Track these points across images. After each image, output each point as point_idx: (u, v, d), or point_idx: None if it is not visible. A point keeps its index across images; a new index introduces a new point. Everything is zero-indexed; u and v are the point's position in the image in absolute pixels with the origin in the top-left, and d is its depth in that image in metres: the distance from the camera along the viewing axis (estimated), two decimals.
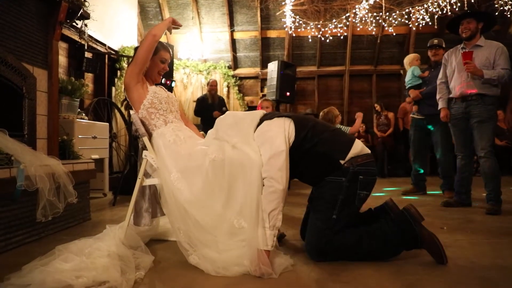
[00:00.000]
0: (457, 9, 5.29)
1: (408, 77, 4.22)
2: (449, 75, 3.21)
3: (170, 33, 2.19)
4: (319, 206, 1.79)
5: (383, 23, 6.18)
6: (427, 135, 3.97)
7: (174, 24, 2.12)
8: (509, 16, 5.41)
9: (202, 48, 7.07)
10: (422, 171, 4.02)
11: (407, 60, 4.40)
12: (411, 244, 1.72)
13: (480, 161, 2.97)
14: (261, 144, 1.73)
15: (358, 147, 1.80)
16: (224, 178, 1.73)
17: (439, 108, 3.29)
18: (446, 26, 3.39)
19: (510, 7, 5.29)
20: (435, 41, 3.82)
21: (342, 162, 1.75)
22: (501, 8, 5.27)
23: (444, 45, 3.80)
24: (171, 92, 3.99)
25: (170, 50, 2.20)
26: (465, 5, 5.26)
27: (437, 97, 3.33)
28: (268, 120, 1.81)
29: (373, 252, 1.72)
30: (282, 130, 1.75)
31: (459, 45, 3.18)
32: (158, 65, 2.10)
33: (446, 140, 3.69)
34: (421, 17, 5.78)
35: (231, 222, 1.70)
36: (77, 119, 3.77)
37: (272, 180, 1.62)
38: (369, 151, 1.84)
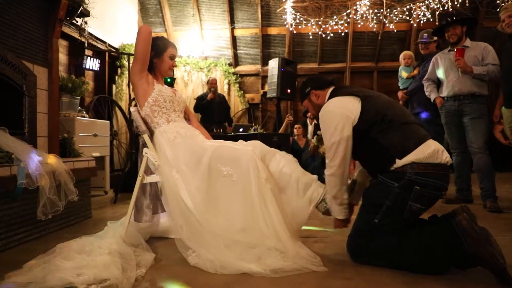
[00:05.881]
0: (458, 5, 5.26)
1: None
2: (441, 78, 3.25)
3: None
4: (364, 205, 1.72)
5: (384, 20, 6.15)
6: None
7: None
8: None
9: (203, 46, 7.05)
10: None
11: (400, 59, 4.42)
12: (462, 262, 1.46)
13: (475, 157, 2.98)
14: (323, 125, 1.74)
15: (427, 151, 1.58)
16: (217, 189, 1.77)
17: (432, 99, 3.32)
18: (432, 33, 3.50)
19: None
20: (425, 35, 3.81)
21: (398, 161, 1.59)
22: (503, 4, 5.24)
23: (434, 38, 3.78)
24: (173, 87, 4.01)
25: (176, 48, 2.23)
26: (467, 0, 5.23)
27: (427, 93, 3.38)
28: (335, 97, 1.78)
29: (411, 265, 1.54)
30: (346, 112, 1.69)
31: (445, 49, 3.29)
32: (167, 61, 2.14)
33: (436, 137, 3.67)
34: (422, 13, 5.75)
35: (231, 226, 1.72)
36: (78, 117, 3.77)
37: (329, 168, 1.73)
38: (444, 161, 1.60)
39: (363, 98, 1.71)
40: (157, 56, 2.12)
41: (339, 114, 1.70)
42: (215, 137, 2.30)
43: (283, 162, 1.88)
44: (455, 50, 3.05)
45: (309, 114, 5.66)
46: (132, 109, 2.08)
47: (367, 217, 1.65)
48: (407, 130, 1.66)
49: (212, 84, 5.72)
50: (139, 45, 1.98)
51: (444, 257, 1.46)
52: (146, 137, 1.97)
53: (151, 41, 2.02)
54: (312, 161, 5.04)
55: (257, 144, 1.93)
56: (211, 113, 5.60)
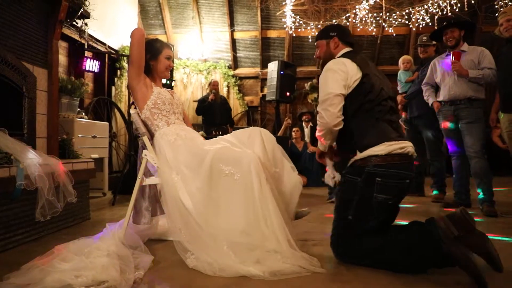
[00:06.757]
0: (457, 10, 5.30)
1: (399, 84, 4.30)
2: (438, 82, 3.26)
3: None
4: (337, 205, 1.77)
5: (383, 24, 6.18)
6: (420, 133, 3.94)
7: None
8: None
9: (202, 48, 7.06)
10: (421, 161, 3.99)
11: (399, 63, 4.44)
12: (440, 262, 1.50)
13: (472, 162, 2.98)
14: (322, 79, 1.80)
15: (387, 149, 1.63)
16: (220, 191, 1.78)
17: (430, 104, 3.33)
18: (430, 36, 3.49)
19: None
20: (424, 38, 3.83)
21: (358, 153, 1.68)
22: (501, 9, 5.28)
23: (433, 42, 3.79)
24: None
25: (171, 48, 2.24)
26: (465, 5, 5.26)
27: (425, 97, 3.39)
28: (340, 58, 1.82)
29: (394, 264, 1.57)
30: (346, 74, 1.73)
31: (443, 53, 3.29)
32: (164, 62, 2.16)
33: (435, 141, 3.68)
34: (421, 17, 5.78)
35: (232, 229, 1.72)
36: (77, 119, 3.77)
37: (318, 116, 1.77)
38: (407, 151, 1.66)
39: (364, 74, 1.74)
40: (153, 58, 2.13)
41: (341, 71, 1.74)
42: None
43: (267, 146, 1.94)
44: (451, 53, 3.07)
45: (304, 118, 5.68)
46: (132, 111, 2.08)
47: (341, 215, 1.71)
48: (380, 126, 1.70)
49: (213, 86, 5.75)
50: (134, 48, 2.00)
51: (423, 256, 1.51)
52: (145, 139, 1.97)
53: (144, 43, 2.03)
54: (311, 165, 5.04)
55: (256, 134, 1.94)
56: (213, 115, 5.62)
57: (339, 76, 1.73)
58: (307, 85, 4.90)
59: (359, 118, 1.73)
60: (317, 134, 1.84)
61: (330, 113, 1.71)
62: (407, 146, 1.68)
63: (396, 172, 1.62)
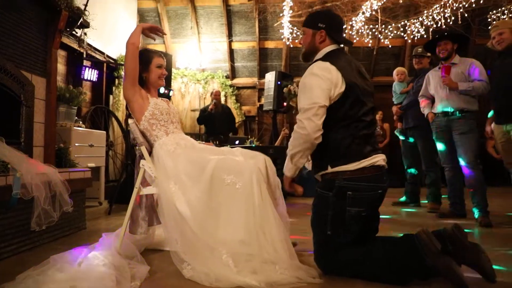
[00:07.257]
0: (451, 23, 5.39)
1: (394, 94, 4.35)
2: (432, 94, 3.31)
3: (154, 39, 2.26)
4: (313, 221, 1.75)
5: (379, 36, 6.27)
6: (415, 144, 3.95)
7: (153, 31, 2.17)
8: None
9: (200, 58, 7.11)
10: (416, 172, 4.02)
11: (393, 75, 4.51)
12: (423, 273, 1.50)
13: (465, 172, 3.01)
14: (304, 86, 1.67)
15: (357, 167, 1.61)
16: (221, 200, 1.78)
17: (425, 115, 3.36)
18: (423, 46, 3.53)
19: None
20: (419, 49, 3.89)
21: (329, 168, 1.66)
22: (494, 22, 5.38)
23: (428, 54, 3.85)
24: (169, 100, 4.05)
25: (163, 55, 2.25)
26: (459, 18, 5.36)
27: (421, 109, 3.43)
28: (331, 62, 1.65)
29: (377, 275, 1.57)
30: (330, 85, 1.62)
31: (437, 67, 3.33)
32: (156, 71, 2.16)
33: (429, 152, 3.71)
34: (416, 30, 5.88)
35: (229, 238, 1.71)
36: (74, 127, 3.76)
37: (298, 126, 1.65)
38: (377, 164, 1.64)
39: (348, 86, 1.63)
40: (144, 69, 2.14)
41: (327, 79, 1.62)
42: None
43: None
44: (441, 66, 3.11)
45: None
46: (130, 121, 2.09)
47: (320, 230, 1.68)
48: (353, 144, 1.64)
49: (215, 95, 5.80)
50: (127, 60, 2.03)
51: (406, 268, 1.51)
52: (143, 149, 1.98)
53: (138, 55, 2.06)
54: (308, 174, 5.06)
55: (260, 156, 1.94)
56: (213, 125, 5.65)
57: (325, 85, 1.61)
58: (292, 87, 4.81)
59: (335, 132, 1.66)
60: (293, 151, 1.67)
61: (314, 124, 1.60)
62: (378, 159, 1.66)
63: (367, 184, 1.60)
